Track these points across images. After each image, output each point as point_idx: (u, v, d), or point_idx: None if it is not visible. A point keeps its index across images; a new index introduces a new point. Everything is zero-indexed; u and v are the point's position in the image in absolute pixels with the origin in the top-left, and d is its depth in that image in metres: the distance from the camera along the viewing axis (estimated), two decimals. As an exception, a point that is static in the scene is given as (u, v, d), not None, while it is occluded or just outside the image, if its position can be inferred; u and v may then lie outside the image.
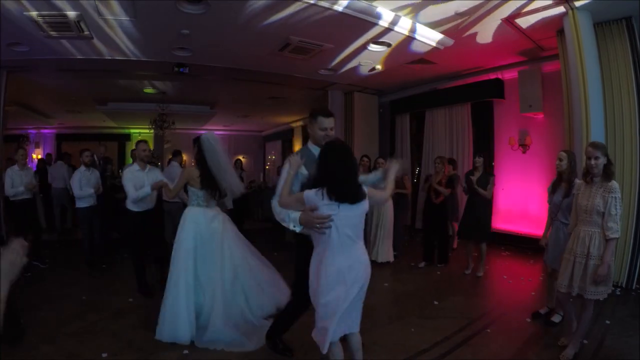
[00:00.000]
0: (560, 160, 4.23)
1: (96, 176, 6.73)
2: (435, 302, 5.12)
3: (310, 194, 2.67)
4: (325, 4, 5.47)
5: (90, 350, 3.77)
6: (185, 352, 3.79)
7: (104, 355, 3.64)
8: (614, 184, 3.39)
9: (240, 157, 11.30)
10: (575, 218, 3.68)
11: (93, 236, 6.70)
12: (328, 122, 3.15)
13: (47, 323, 4.35)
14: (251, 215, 9.71)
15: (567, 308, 3.76)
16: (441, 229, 6.94)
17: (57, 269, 6.52)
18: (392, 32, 6.45)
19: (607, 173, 3.43)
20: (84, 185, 6.43)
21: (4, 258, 1.57)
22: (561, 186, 4.25)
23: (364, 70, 8.75)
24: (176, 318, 3.92)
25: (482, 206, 6.24)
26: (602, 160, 3.42)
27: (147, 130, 14.55)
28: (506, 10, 5.83)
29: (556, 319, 4.38)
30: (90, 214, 6.58)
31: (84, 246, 6.71)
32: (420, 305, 5.01)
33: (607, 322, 4.38)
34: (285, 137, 17.68)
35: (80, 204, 6.53)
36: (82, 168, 6.59)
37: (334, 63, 8.22)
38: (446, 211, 6.96)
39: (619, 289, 5.50)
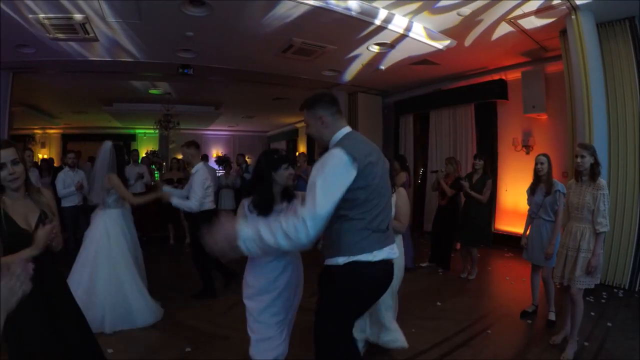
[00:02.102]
0: (542, 164, 4.50)
1: (80, 176, 6.84)
2: (438, 303, 5.13)
3: None
4: (328, 6, 5.50)
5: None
6: (188, 349, 3.83)
7: (110, 351, 3.70)
8: (602, 182, 3.64)
9: (246, 158, 11.32)
10: (567, 215, 3.96)
11: (77, 236, 6.77)
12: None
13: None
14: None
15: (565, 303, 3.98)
16: (445, 232, 6.84)
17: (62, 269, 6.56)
18: (395, 34, 6.47)
19: (593, 173, 3.68)
20: (67, 185, 6.60)
21: (2, 285, 1.37)
22: (540, 187, 4.50)
23: (368, 70, 8.77)
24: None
25: (477, 209, 6.17)
26: (588, 159, 3.68)
27: (152, 131, 14.62)
28: (509, 11, 5.82)
29: (552, 317, 4.49)
30: (76, 213, 6.72)
31: (68, 246, 6.79)
32: (422, 306, 5.02)
33: (609, 324, 4.37)
34: (290, 138, 17.73)
35: (65, 204, 6.68)
36: (66, 169, 6.82)
37: (337, 64, 8.25)
38: (452, 214, 6.91)
39: (621, 291, 5.49)
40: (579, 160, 3.71)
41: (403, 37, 6.59)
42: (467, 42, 7.01)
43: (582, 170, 3.73)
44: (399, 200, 3.47)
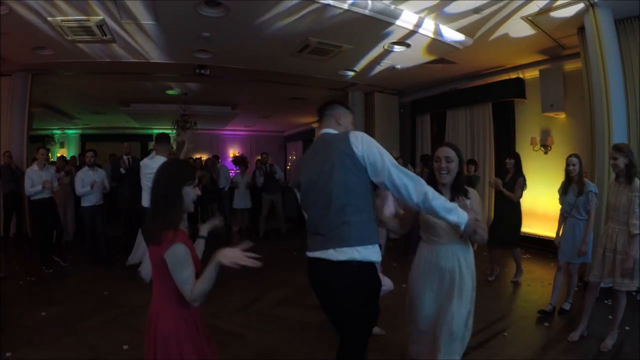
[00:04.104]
0: (574, 165, 4.53)
1: (100, 176, 6.82)
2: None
3: None
4: (344, 6, 5.49)
5: (111, 342, 3.88)
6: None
7: (126, 347, 3.75)
8: (638, 183, 3.63)
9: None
10: (607, 215, 4.17)
11: (95, 235, 6.85)
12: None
13: (69, 317, 4.49)
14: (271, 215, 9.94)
15: (590, 299, 4.02)
16: None
17: (80, 266, 6.69)
18: (411, 33, 6.43)
19: (629, 174, 3.68)
20: (85, 184, 6.55)
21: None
22: (572, 187, 4.54)
23: (384, 70, 8.74)
24: None
25: (510, 210, 6.02)
26: (621, 161, 3.69)
27: (170, 131, 14.75)
28: (526, 9, 5.76)
29: (566, 306, 4.69)
30: (93, 213, 6.73)
31: (88, 245, 6.93)
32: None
33: (627, 328, 4.28)
34: (306, 138, 17.73)
35: (83, 203, 6.70)
36: (85, 168, 6.76)
37: (353, 64, 8.24)
38: None
39: (640, 294, 5.38)
40: (612, 162, 3.79)
41: (419, 35, 6.54)
42: (484, 40, 6.94)
43: (617, 172, 3.79)
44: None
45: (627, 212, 3.64)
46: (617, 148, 3.78)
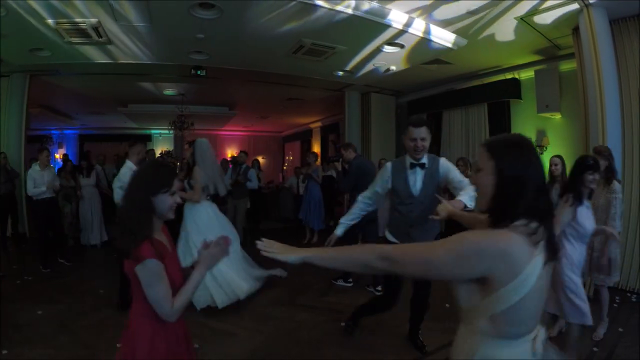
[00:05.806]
0: (556, 165, 4.70)
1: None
2: (447, 305, 5.08)
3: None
4: (336, 7, 5.50)
5: (106, 341, 3.89)
6: (196, 346, 3.87)
7: (118, 345, 3.76)
8: (617, 186, 3.82)
9: (259, 158, 11.37)
10: None
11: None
12: (417, 132, 3.22)
13: (65, 315, 4.52)
14: (268, 215, 9.94)
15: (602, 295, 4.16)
16: (462, 231, 6.77)
17: (77, 265, 6.76)
18: (405, 34, 6.43)
19: (607, 176, 3.90)
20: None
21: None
22: (555, 187, 4.59)
23: (379, 71, 8.75)
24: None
25: None
26: (602, 164, 3.76)
27: (168, 131, 14.74)
28: (520, 9, 5.76)
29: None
30: None
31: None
32: (431, 307, 4.98)
33: (620, 329, 4.29)
34: (304, 138, 17.75)
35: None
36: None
37: (348, 65, 8.26)
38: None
39: (634, 296, 5.38)
40: None
41: (414, 36, 6.55)
42: (479, 40, 6.95)
43: None
44: None
45: (605, 212, 3.83)
46: (598, 151, 3.96)
